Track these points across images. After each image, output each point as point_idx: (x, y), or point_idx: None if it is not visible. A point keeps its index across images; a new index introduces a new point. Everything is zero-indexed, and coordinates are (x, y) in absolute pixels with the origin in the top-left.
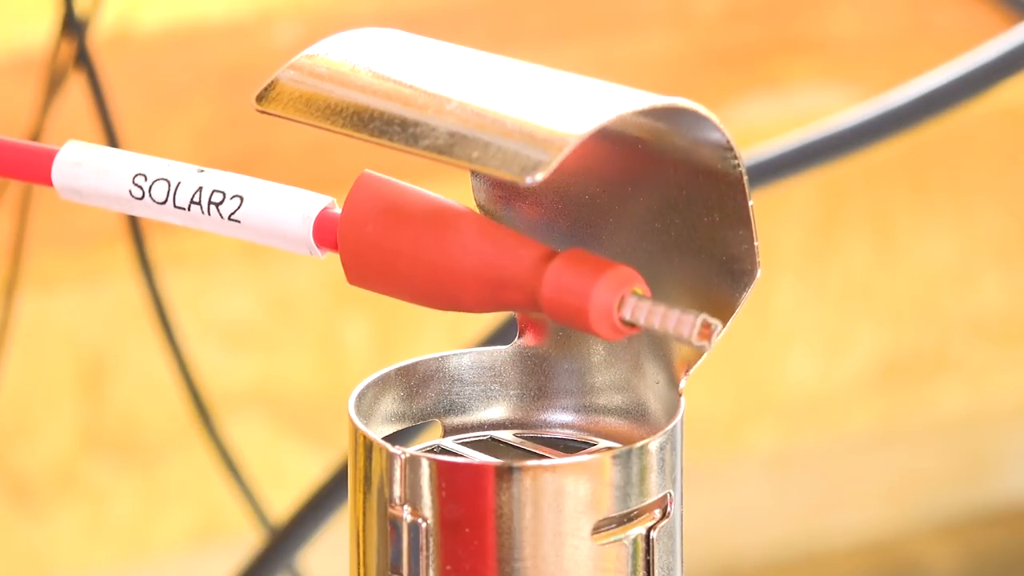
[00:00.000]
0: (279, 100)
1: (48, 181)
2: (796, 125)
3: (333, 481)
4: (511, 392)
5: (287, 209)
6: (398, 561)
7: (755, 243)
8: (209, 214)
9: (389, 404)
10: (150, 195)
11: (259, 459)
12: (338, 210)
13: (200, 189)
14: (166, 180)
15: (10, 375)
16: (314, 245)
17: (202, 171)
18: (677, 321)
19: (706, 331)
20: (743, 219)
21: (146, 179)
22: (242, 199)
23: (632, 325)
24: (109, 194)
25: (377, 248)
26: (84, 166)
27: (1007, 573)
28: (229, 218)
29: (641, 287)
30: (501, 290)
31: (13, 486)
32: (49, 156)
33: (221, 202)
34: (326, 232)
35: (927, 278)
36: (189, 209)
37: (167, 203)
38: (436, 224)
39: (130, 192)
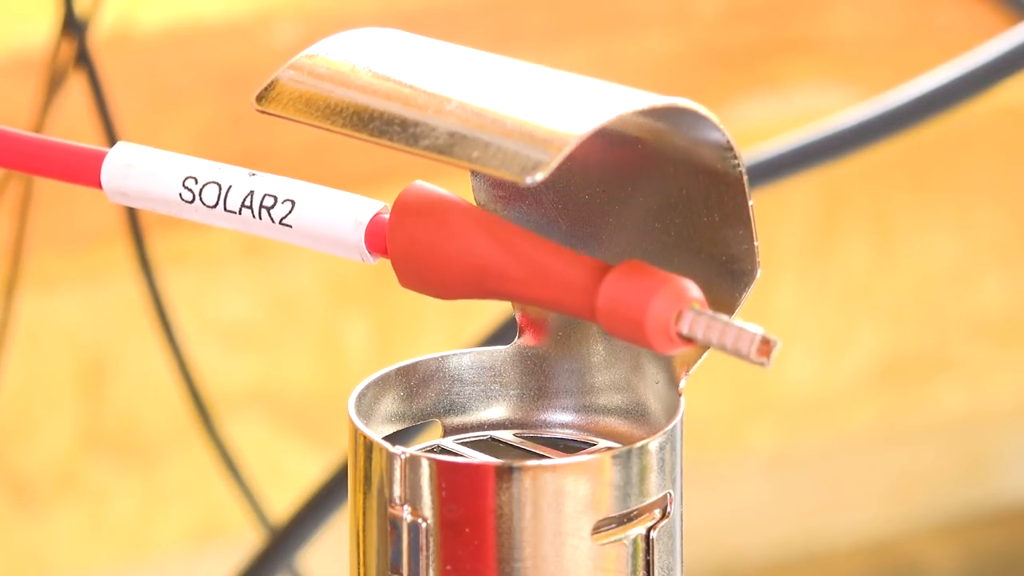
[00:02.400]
0: (279, 100)
1: (97, 183)
2: (796, 125)
3: (333, 481)
4: (511, 392)
5: (339, 214)
6: (398, 561)
7: (755, 243)
8: (260, 218)
9: (389, 404)
10: (200, 199)
11: (259, 459)
12: (387, 216)
13: (251, 193)
14: (217, 183)
15: (10, 375)
16: (366, 251)
17: (254, 175)
18: (736, 336)
19: (765, 347)
20: (743, 219)
21: (197, 182)
22: (294, 203)
23: (689, 339)
24: (158, 197)
25: (428, 255)
26: (134, 168)
27: (1007, 573)
28: (280, 223)
29: (700, 301)
30: (554, 297)
31: (13, 486)
32: (98, 158)
33: (272, 206)
34: (378, 237)
35: (927, 278)
36: (240, 213)
37: (218, 207)
38: (487, 232)
39: (180, 195)
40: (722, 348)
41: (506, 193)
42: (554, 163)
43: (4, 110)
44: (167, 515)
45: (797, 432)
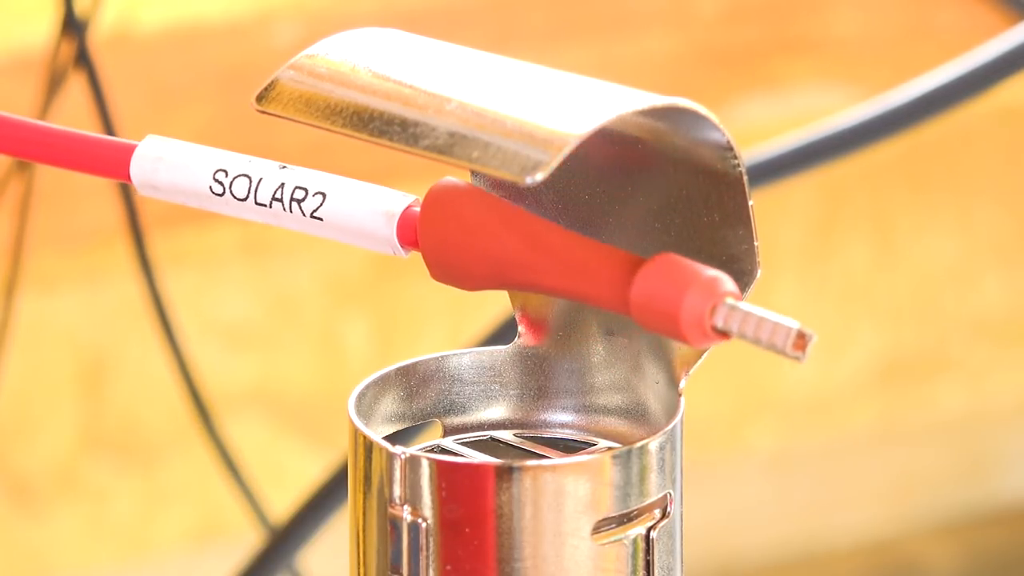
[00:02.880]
0: (279, 100)
1: (126, 176)
2: (796, 125)
3: (333, 481)
4: (511, 392)
5: (371, 207)
6: (398, 561)
7: (755, 243)
8: (291, 211)
9: (389, 404)
10: (231, 191)
11: (259, 459)
12: (418, 208)
13: (282, 185)
14: (247, 176)
15: (10, 375)
16: (398, 244)
17: (284, 167)
18: (771, 331)
19: (801, 341)
20: (743, 219)
21: (227, 175)
22: (324, 196)
23: (724, 333)
24: (188, 190)
25: (458, 249)
26: (164, 161)
27: (1007, 573)
28: (311, 215)
29: (734, 295)
30: (587, 291)
31: (13, 486)
32: (128, 151)
33: (303, 199)
34: (410, 231)
35: (927, 278)
36: (271, 206)
37: (248, 200)
38: (517, 227)
39: (211, 188)
40: (757, 342)
41: (506, 193)
42: (554, 163)
43: (4, 110)
44: (167, 515)
45: (797, 432)
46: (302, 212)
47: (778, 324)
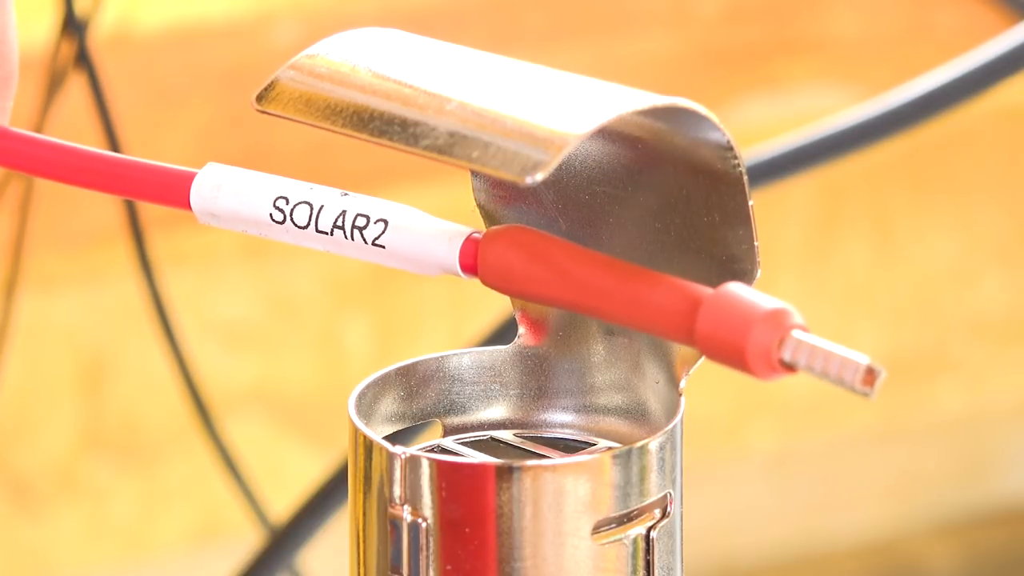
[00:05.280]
0: (279, 100)
1: (187, 205)
2: (796, 125)
3: (333, 481)
4: (511, 392)
5: (432, 234)
6: (398, 561)
7: (755, 243)
8: (352, 239)
9: (389, 404)
10: (291, 219)
11: (259, 459)
12: (479, 235)
13: (344, 213)
14: (308, 203)
15: (10, 375)
16: (460, 272)
17: (346, 195)
18: (840, 365)
19: (870, 377)
20: (743, 219)
21: (287, 202)
22: (387, 223)
23: (791, 367)
24: (249, 218)
25: (522, 285)
26: (223, 188)
27: (1007, 573)
28: (373, 243)
29: (802, 327)
30: (653, 324)
31: (13, 486)
32: (187, 179)
33: (365, 227)
34: (471, 257)
35: (927, 278)
36: (332, 234)
37: (309, 227)
38: (584, 257)
39: (271, 216)
40: (825, 376)
41: (506, 193)
42: (554, 163)
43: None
44: (167, 515)
45: (797, 432)
46: (364, 240)
47: (846, 359)
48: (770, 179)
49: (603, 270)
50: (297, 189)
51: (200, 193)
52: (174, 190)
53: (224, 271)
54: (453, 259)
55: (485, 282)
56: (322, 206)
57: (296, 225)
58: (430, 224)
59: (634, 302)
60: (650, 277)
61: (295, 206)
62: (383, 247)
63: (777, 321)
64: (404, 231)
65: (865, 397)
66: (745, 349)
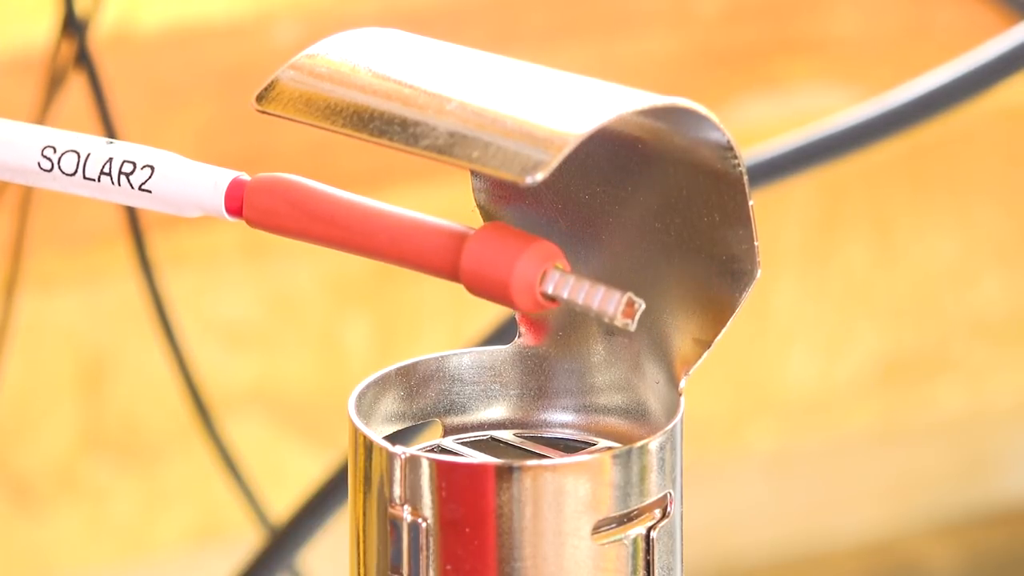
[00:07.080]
0: (279, 100)
1: None
2: (796, 125)
3: (333, 481)
4: (511, 392)
5: (198, 178)
6: (398, 561)
7: (755, 243)
8: (119, 184)
9: (389, 404)
10: (59, 167)
11: (259, 459)
12: (246, 178)
13: (111, 160)
14: (76, 151)
15: (10, 375)
16: (226, 214)
17: (111, 143)
18: (602, 297)
19: (630, 309)
20: (743, 219)
21: (55, 151)
22: (153, 169)
23: (553, 299)
24: (17, 167)
25: (286, 227)
26: None
27: (1007, 573)
28: (140, 188)
29: (562, 263)
30: (417, 256)
31: (13, 486)
32: None
33: (131, 172)
34: (237, 199)
35: (927, 278)
36: (99, 180)
37: (76, 175)
38: (350, 198)
39: (39, 164)
40: (587, 309)
41: (506, 193)
42: (554, 163)
43: (4, 110)
44: (167, 515)
45: (797, 432)
46: (130, 185)
47: (608, 290)
48: (770, 179)
49: (369, 210)
50: (64, 138)
51: None
52: None
53: (224, 271)
54: (219, 201)
55: (250, 223)
56: (89, 154)
57: (64, 172)
58: (196, 168)
59: (399, 240)
60: (415, 219)
61: (63, 154)
62: (149, 191)
63: (539, 255)
64: (170, 176)
65: (626, 328)
66: (509, 283)
